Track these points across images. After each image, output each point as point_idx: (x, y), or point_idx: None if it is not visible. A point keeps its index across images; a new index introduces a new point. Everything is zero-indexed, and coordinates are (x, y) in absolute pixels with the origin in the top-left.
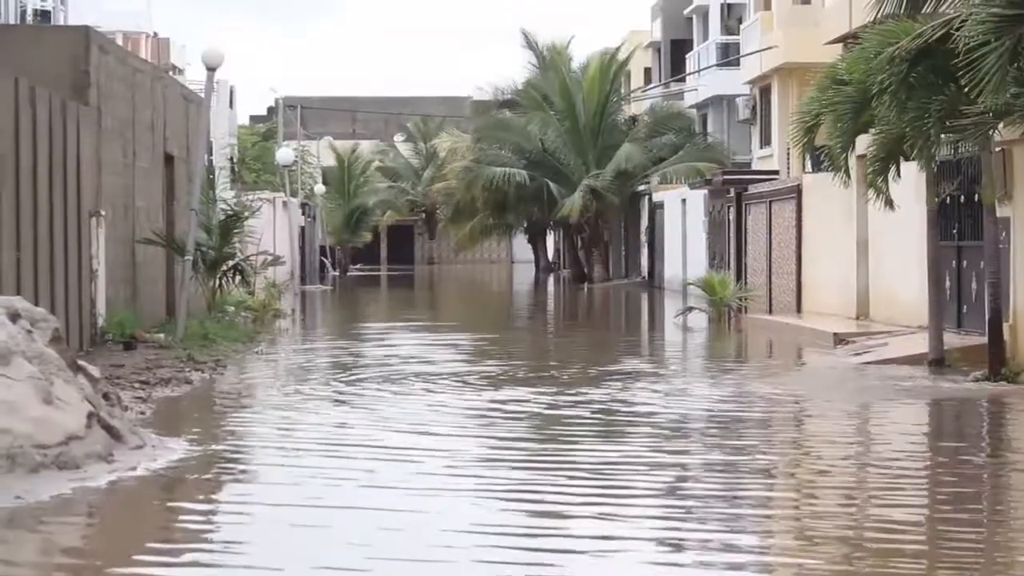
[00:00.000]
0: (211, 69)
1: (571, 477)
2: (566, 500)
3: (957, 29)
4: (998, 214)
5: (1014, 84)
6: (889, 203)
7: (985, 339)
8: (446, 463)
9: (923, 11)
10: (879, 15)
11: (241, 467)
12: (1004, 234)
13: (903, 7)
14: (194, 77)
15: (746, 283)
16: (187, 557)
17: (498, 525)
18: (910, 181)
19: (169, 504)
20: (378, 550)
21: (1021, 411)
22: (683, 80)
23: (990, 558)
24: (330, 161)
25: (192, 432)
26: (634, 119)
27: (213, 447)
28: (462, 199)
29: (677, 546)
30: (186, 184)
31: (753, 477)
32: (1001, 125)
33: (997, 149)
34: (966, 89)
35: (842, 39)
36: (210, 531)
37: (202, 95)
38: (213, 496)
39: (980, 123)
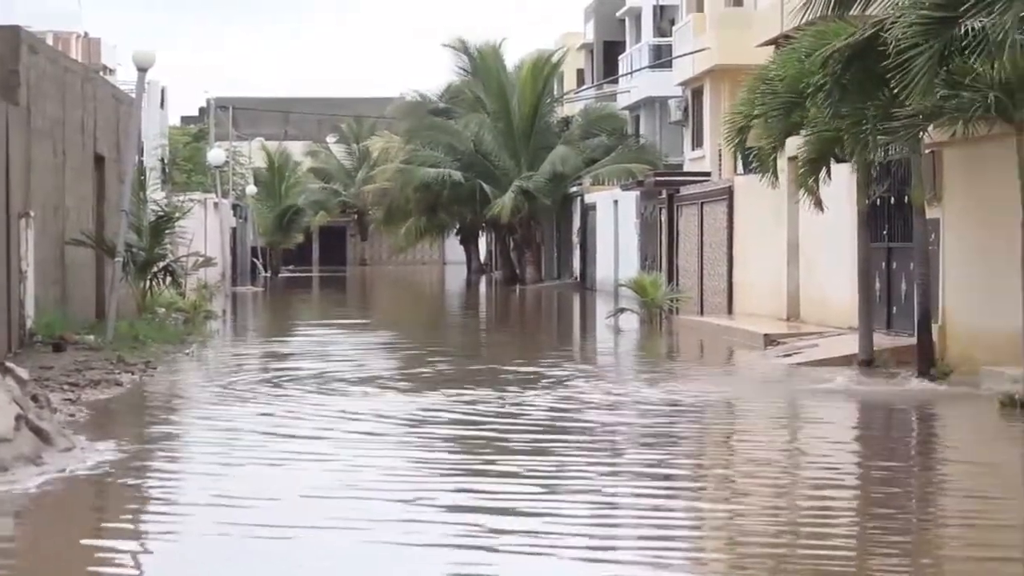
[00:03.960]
0: (142, 70)
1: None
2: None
3: (887, 31)
4: (927, 216)
5: (943, 87)
6: (819, 204)
7: (914, 340)
8: (373, 465)
9: (851, 12)
10: (809, 17)
11: (171, 469)
12: (933, 235)
13: (831, 8)
14: (125, 77)
15: (678, 284)
16: (117, 560)
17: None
18: (841, 183)
19: (98, 507)
20: (310, 551)
21: (949, 411)
22: (616, 82)
23: (917, 560)
24: (262, 162)
25: (122, 434)
26: (567, 120)
27: (143, 449)
28: (395, 200)
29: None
30: (117, 185)
31: (669, 480)
32: (931, 127)
33: (927, 151)
34: (895, 91)
35: (774, 41)
36: (139, 533)
37: (133, 96)
38: (143, 498)
39: (910, 125)
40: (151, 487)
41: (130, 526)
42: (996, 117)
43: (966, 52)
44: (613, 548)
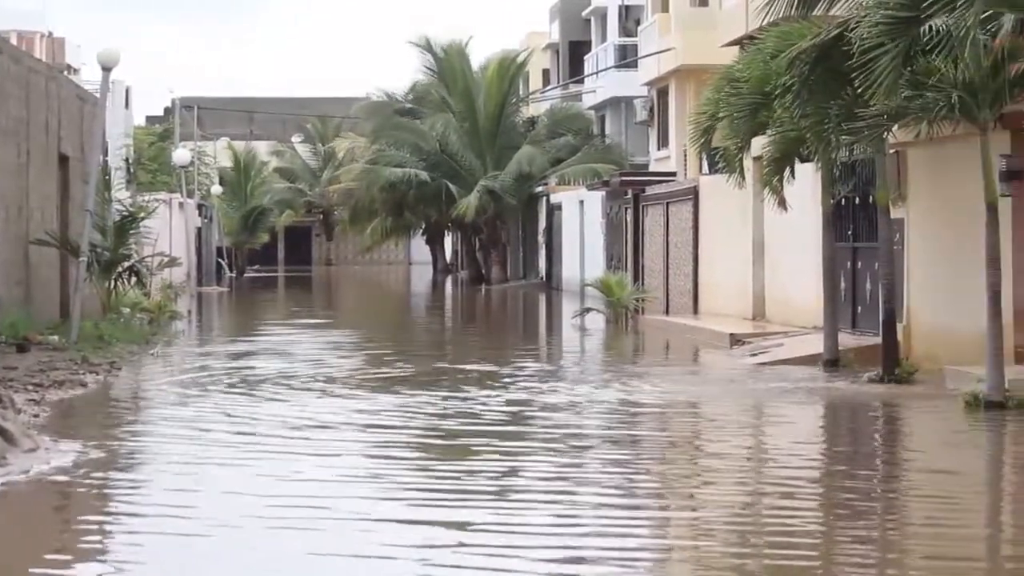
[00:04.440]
0: (107, 69)
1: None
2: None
3: (852, 30)
4: (892, 215)
5: (907, 87)
6: (783, 204)
7: (879, 340)
8: (339, 462)
9: (815, 12)
10: (772, 16)
11: (136, 470)
12: (898, 235)
13: (795, 8)
14: (90, 77)
15: (643, 284)
16: (80, 560)
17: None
18: (806, 182)
19: (62, 507)
20: (271, 551)
21: (914, 411)
22: (582, 82)
23: (883, 563)
24: (227, 162)
25: (87, 435)
26: (533, 120)
27: (108, 450)
28: (360, 200)
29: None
30: (81, 185)
31: (638, 477)
32: (895, 127)
33: (891, 151)
34: (859, 91)
35: (739, 41)
36: (104, 534)
37: (97, 95)
38: (107, 499)
39: (875, 125)
40: (115, 488)
41: (93, 527)
42: (960, 117)
43: (930, 52)
44: (576, 552)
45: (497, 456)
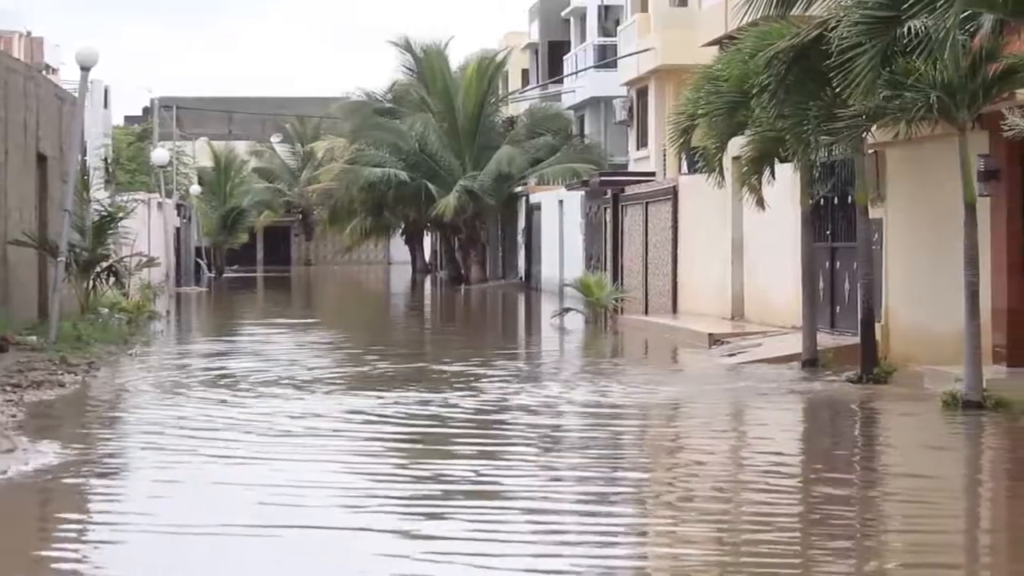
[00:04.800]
0: (85, 69)
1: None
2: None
3: (831, 30)
4: (871, 215)
5: (886, 87)
6: (761, 203)
7: (858, 339)
8: (312, 466)
9: (794, 12)
10: (751, 16)
11: (113, 471)
12: (877, 235)
13: (773, 7)
14: (68, 77)
15: (622, 284)
16: (58, 561)
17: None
18: (784, 182)
19: (41, 508)
20: (250, 552)
21: (892, 411)
22: (561, 82)
23: (861, 566)
24: (206, 162)
25: (65, 436)
26: (512, 120)
27: (86, 451)
28: (340, 200)
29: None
30: (59, 184)
31: (617, 479)
32: (874, 127)
33: (870, 151)
34: (838, 91)
35: (718, 41)
36: (82, 535)
37: (76, 95)
38: (85, 500)
39: (853, 125)
40: (93, 489)
41: (71, 527)
42: (938, 117)
43: (909, 52)
44: (552, 556)
45: (471, 459)
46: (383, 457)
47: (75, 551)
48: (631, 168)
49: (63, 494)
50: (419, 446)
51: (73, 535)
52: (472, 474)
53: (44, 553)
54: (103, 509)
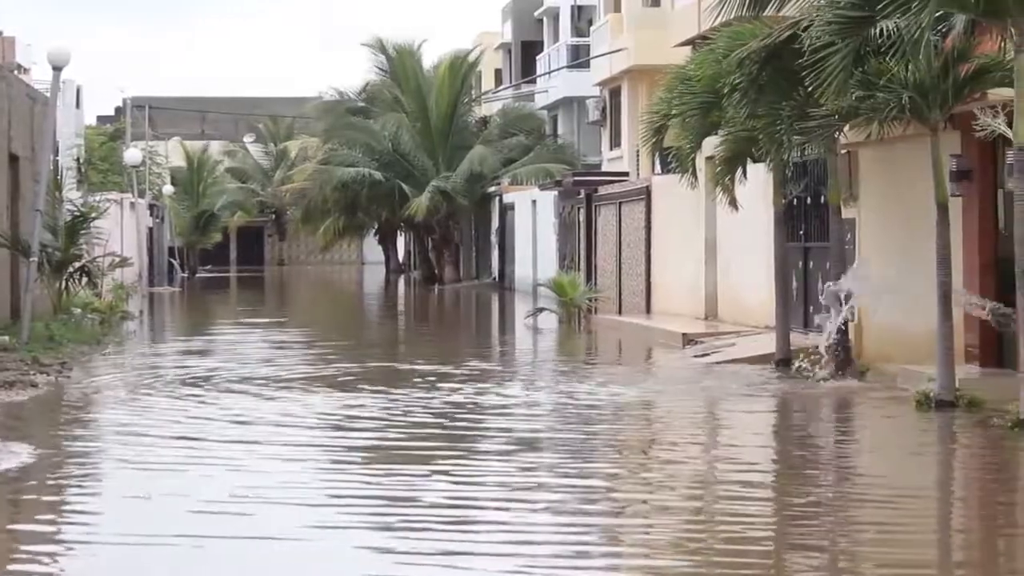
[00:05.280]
0: (57, 68)
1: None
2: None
3: (804, 30)
4: (844, 215)
5: (858, 87)
6: (734, 203)
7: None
8: (296, 467)
9: (766, 12)
10: (724, 16)
11: (86, 472)
12: (849, 235)
13: (746, 7)
14: (40, 76)
15: (596, 284)
16: (29, 562)
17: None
18: (757, 182)
19: (12, 509)
20: (225, 555)
21: (866, 411)
22: (534, 82)
23: (835, 565)
24: (179, 162)
25: (37, 436)
26: (485, 120)
27: (58, 451)
28: (313, 200)
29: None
30: (32, 184)
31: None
32: (846, 127)
33: (843, 151)
34: (811, 91)
35: (691, 42)
36: (54, 536)
37: (48, 95)
38: (57, 501)
39: (825, 125)
40: (66, 490)
41: (43, 528)
42: (910, 117)
43: (881, 52)
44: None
45: (441, 461)
46: (348, 463)
47: (43, 552)
48: (604, 168)
49: (35, 494)
50: (385, 449)
51: (43, 537)
52: (438, 478)
53: (14, 554)
54: (76, 510)
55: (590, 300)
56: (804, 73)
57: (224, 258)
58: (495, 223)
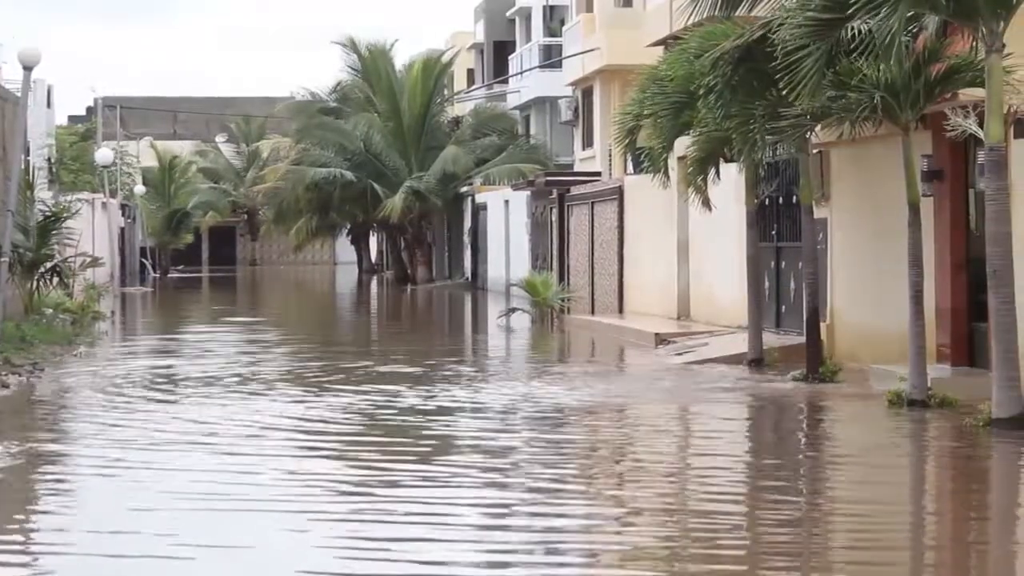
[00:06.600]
0: (28, 68)
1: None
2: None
3: (775, 32)
4: (816, 215)
5: (830, 87)
6: (707, 203)
7: (803, 339)
8: (254, 468)
9: (738, 13)
10: (696, 17)
11: (59, 472)
12: (821, 235)
13: (718, 8)
14: (11, 76)
15: (569, 284)
16: (3, 562)
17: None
18: (730, 182)
19: None
20: (198, 552)
21: (838, 410)
22: (506, 82)
23: (806, 559)
24: (151, 162)
25: (9, 437)
26: (458, 120)
27: (30, 452)
28: (285, 200)
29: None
30: (3, 184)
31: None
32: (818, 127)
33: (815, 151)
34: (784, 91)
35: (663, 42)
36: (25, 537)
37: (19, 94)
38: (29, 501)
39: (797, 125)
40: (39, 490)
41: (16, 526)
42: (882, 117)
43: (853, 53)
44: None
45: (408, 463)
46: (317, 461)
47: (17, 552)
48: (577, 168)
49: (8, 494)
50: (355, 449)
51: (16, 538)
52: (409, 479)
53: None
54: (48, 509)
55: (563, 300)
56: (777, 75)
57: (196, 258)
58: (467, 223)
